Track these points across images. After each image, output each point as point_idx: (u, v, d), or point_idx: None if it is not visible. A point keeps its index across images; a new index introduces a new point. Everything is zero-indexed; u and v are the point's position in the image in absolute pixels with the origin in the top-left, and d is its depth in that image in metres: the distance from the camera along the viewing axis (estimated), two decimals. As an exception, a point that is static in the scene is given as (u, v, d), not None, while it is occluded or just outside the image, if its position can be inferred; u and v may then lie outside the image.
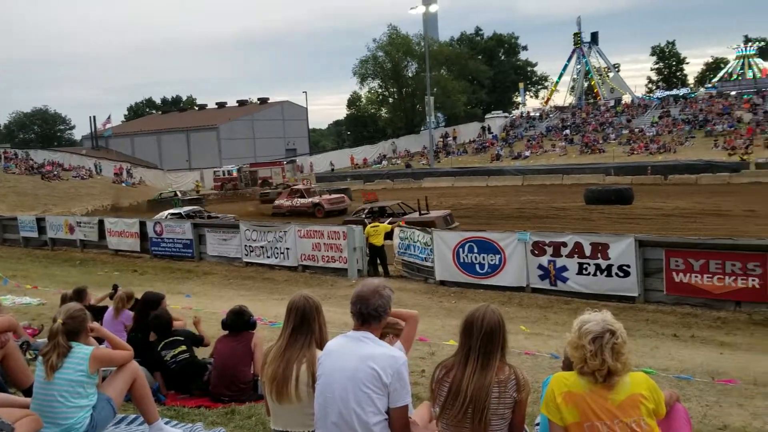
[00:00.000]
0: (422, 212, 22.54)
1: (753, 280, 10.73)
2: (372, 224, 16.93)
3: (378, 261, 16.40)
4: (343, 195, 34.56)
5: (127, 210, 39.44)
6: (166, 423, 4.62)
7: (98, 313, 7.24)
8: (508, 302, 12.54)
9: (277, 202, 34.33)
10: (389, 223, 17.38)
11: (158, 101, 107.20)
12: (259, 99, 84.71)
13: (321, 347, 3.42)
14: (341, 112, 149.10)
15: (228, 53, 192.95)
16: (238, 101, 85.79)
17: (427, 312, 12.02)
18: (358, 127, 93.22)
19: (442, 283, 14.37)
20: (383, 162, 63.82)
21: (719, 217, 23.18)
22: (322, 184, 48.16)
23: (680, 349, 8.95)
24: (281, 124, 78.74)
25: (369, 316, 3.20)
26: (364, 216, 23.56)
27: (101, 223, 22.14)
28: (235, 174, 52.38)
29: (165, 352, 5.86)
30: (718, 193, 30.81)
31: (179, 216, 27.20)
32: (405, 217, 22.57)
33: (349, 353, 3.14)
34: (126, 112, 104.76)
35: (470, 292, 13.38)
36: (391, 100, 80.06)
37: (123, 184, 53.31)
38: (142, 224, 20.88)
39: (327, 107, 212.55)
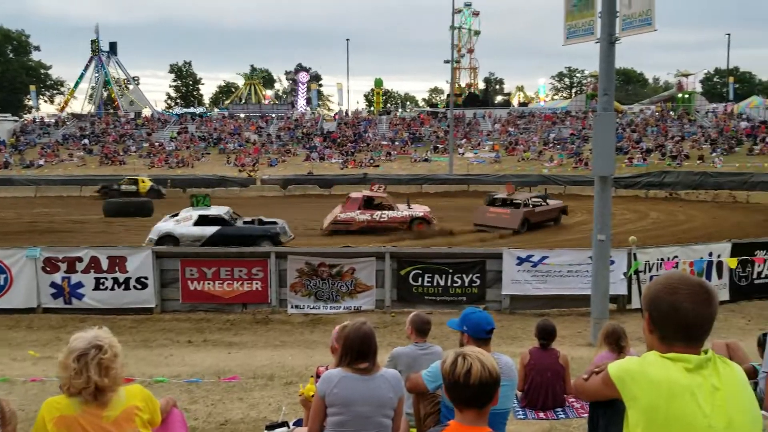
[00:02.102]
0: (546, 200, 23.57)
1: (256, 284, 12.28)
2: None
3: None
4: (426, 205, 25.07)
5: None
6: None
7: None
8: (16, 326, 11.40)
9: (342, 216, 22.95)
10: None
11: None
12: None
13: None
14: None
15: None
16: None
17: None
18: None
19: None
20: None
21: (232, 228, 25.40)
22: None
23: (193, 353, 9.58)
24: None
25: None
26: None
27: None
28: None
29: None
30: (231, 205, 33.53)
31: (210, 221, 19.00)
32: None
33: None
34: None
35: (-34, 321, 11.63)
36: None
37: None
38: None
39: None
